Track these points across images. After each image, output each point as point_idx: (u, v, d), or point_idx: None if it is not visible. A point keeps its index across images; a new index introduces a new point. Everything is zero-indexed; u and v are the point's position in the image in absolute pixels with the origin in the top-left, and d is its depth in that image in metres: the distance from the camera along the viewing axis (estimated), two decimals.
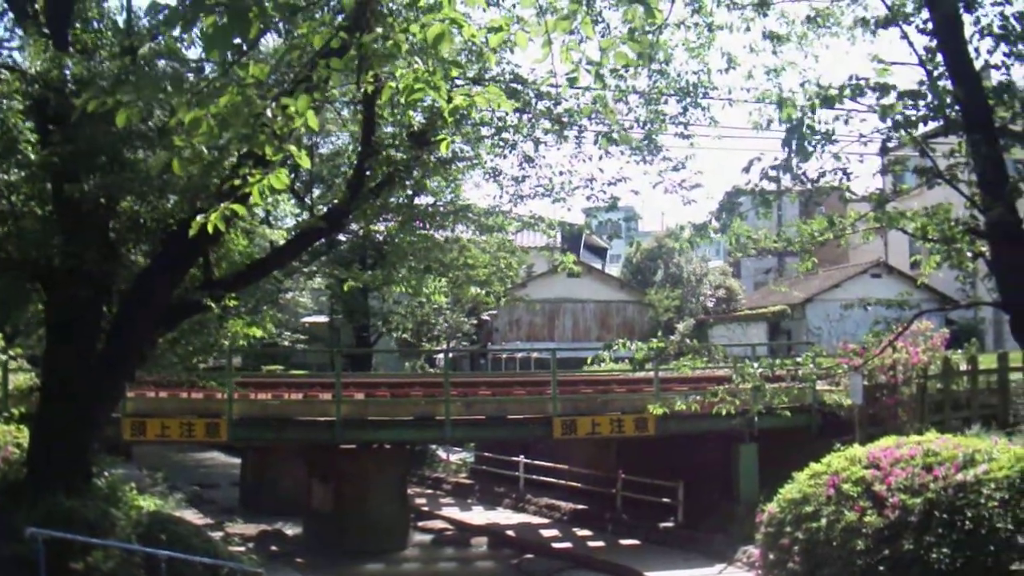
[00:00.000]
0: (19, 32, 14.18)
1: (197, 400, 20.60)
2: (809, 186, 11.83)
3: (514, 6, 14.06)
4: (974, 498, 12.99)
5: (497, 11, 13.67)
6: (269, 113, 6.32)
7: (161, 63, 13.62)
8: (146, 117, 7.82)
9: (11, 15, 14.34)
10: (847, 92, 10.85)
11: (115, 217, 13.59)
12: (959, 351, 23.38)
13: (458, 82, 8.57)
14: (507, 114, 15.27)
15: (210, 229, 11.18)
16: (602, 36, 12.64)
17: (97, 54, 13.07)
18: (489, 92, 6.33)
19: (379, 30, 6.48)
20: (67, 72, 12.12)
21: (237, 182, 11.38)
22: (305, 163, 7.06)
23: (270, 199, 13.92)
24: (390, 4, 9.60)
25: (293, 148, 6.62)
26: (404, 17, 7.26)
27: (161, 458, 30.97)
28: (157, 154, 10.55)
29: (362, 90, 9.44)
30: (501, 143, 15.89)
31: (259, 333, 16.08)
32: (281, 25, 5.83)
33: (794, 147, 10.63)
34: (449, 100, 6.38)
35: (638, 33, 6.40)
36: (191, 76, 7.29)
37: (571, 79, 6.42)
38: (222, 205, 11.67)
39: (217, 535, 18.38)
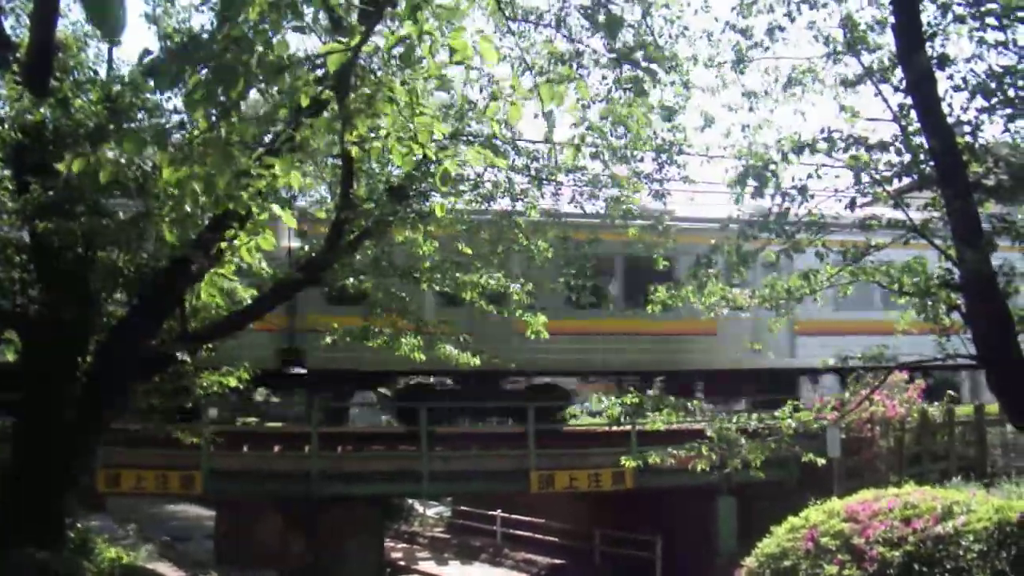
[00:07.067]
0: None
1: (172, 452, 20.41)
2: (784, 241, 11.90)
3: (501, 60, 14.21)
4: (953, 550, 12.97)
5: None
6: (253, 172, 6.26)
7: (140, 115, 13.74)
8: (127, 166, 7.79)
9: None
10: (820, 144, 10.99)
11: (92, 267, 13.55)
12: (936, 403, 23.47)
13: (436, 139, 8.62)
14: (485, 170, 15.36)
15: (204, 297, 11.18)
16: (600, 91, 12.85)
17: (75, 104, 13.08)
18: (481, 151, 6.38)
19: (364, 90, 6.50)
20: (46, 120, 12.13)
21: (224, 244, 11.47)
22: (291, 222, 6.97)
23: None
24: (374, 62, 9.69)
25: (277, 208, 6.57)
26: (387, 75, 7.33)
27: (135, 510, 30.58)
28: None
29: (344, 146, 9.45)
30: (479, 199, 15.93)
31: (233, 383, 15.98)
32: (265, 84, 5.78)
33: (751, 188, 10.74)
34: (438, 161, 6.41)
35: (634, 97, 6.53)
36: (176, 135, 7.25)
37: (576, 146, 6.51)
38: (209, 272, 11.67)
39: None
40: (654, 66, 9.63)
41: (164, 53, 5.67)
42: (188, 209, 6.50)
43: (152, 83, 5.85)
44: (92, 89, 13.71)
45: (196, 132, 6.04)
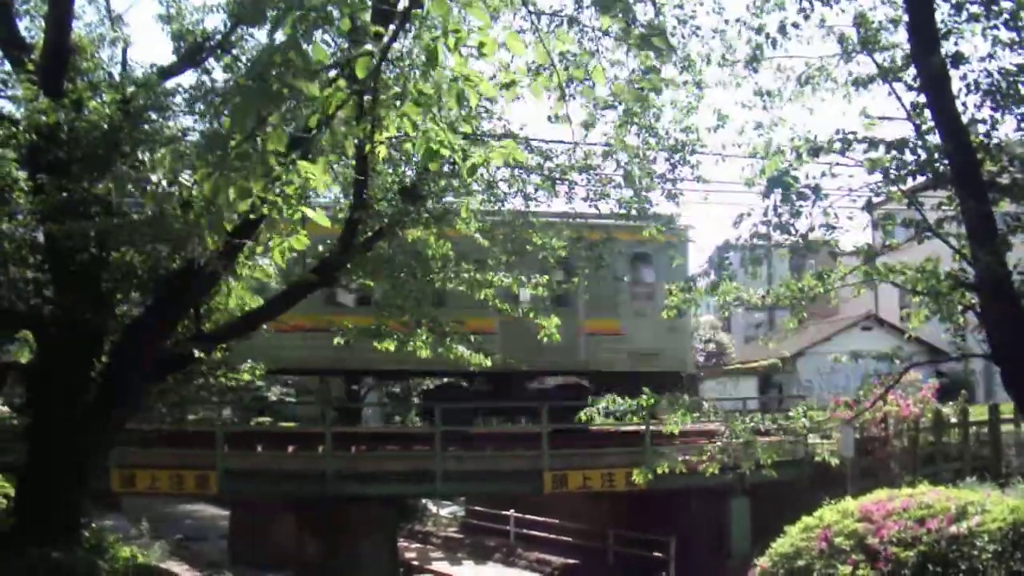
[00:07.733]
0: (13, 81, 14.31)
1: (187, 452, 20.48)
2: (799, 241, 11.86)
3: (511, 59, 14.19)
4: (967, 550, 12.92)
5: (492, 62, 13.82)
6: (283, 177, 6.36)
7: (154, 116, 13.79)
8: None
9: (6, 65, 14.48)
10: (835, 145, 10.97)
11: (107, 268, 13.61)
12: (950, 403, 23.40)
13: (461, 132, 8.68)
14: (499, 168, 15.34)
15: (234, 302, 11.16)
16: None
17: (89, 106, 13.14)
18: (507, 147, 6.45)
19: (395, 89, 6.55)
20: (60, 121, 12.19)
21: (259, 248, 11.54)
22: (325, 222, 7.06)
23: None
24: (401, 62, 9.72)
25: (309, 211, 6.66)
26: (414, 76, 7.40)
27: (149, 509, 30.68)
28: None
29: (365, 147, 9.50)
30: (492, 198, 15.93)
31: (246, 377, 16.07)
32: (301, 93, 5.89)
33: (778, 197, 10.71)
34: (464, 158, 6.47)
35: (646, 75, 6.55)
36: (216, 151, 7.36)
37: (586, 124, 6.53)
38: (246, 272, 11.66)
39: None
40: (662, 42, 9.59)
41: (236, 92, 5.75)
42: (225, 214, 6.58)
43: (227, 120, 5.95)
44: (106, 91, 13.77)
45: (232, 143, 6.10)
